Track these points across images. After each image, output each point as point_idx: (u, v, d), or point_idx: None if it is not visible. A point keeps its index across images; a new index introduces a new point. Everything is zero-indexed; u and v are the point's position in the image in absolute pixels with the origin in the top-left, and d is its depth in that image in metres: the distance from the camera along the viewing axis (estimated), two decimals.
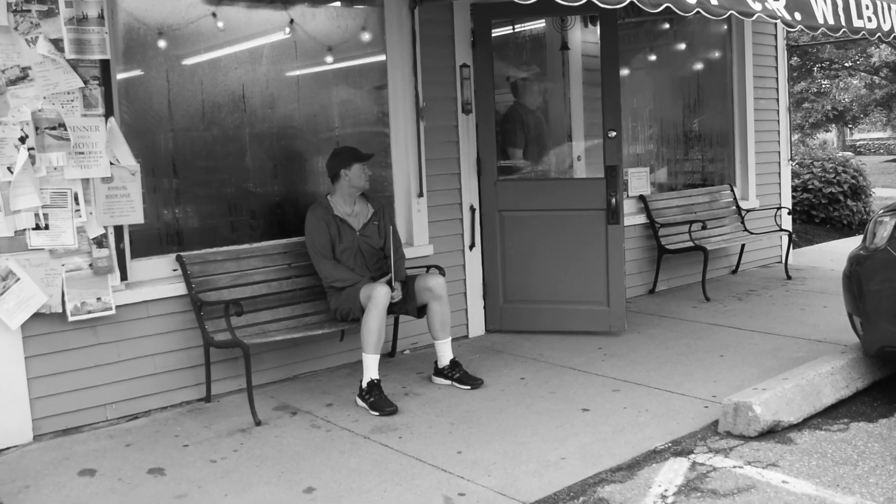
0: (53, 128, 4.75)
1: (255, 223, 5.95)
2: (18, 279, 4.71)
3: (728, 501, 3.75)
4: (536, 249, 6.89)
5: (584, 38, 7.64)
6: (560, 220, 6.83)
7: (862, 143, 49.97)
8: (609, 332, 6.79)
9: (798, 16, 5.57)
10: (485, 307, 6.98)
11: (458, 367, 5.58)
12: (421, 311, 5.60)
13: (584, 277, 6.84)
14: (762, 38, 9.33)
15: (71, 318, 4.87)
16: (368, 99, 6.50)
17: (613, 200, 6.69)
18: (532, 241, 6.89)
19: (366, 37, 6.39)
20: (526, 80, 7.47)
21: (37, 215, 4.77)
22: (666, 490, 3.90)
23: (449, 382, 5.56)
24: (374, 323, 5.13)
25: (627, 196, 8.13)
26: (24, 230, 4.74)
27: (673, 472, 4.09)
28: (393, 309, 5.41)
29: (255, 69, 5.87)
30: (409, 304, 5.56)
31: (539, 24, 7.75)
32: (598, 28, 6.92)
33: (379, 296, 5.15)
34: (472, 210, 6.82)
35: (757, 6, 5.20)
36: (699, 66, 9.26)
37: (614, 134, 6.69)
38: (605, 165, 6.73)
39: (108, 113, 4.98)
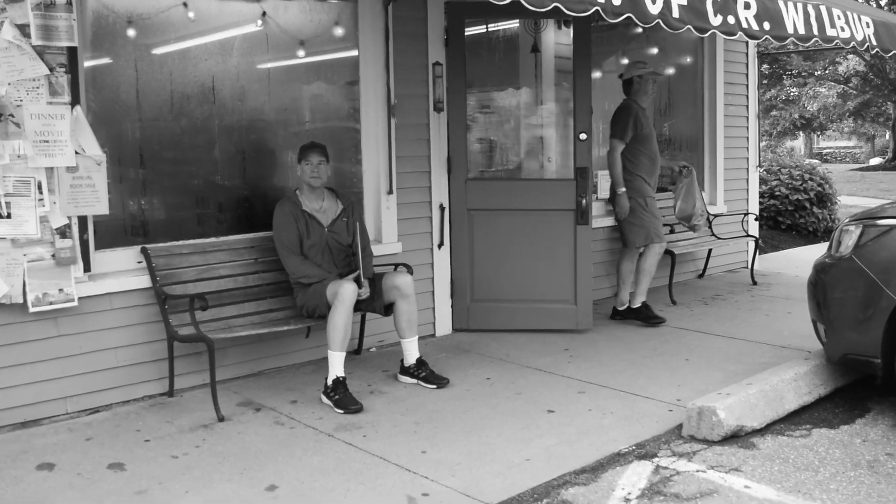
0: (10, 115, 4.67)
1: (222, 216, 5.89)
2: None
3: None
4: (506, 249, 6.93)
5: (556, 39, 7.65)
6: (530, 219, 6.90)
7: (828, 150, 50.63)
8: (576, 330, 6.90)
9: (767, 25, 5.60)
10: (452, 306, 6.97)
11: (424, 365, 5.57)
12: (388, 309, 5.58)
13: (553, 276, 6.94)
14: (734, 44, 9.40)
15: (32, 309, 4.80)
16: (340, 94, 6.46)
17: (583, 201, 6.82)
18: (501, 241, 6.93)
19: (339, 32, 6.35)
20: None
21: None
22: (629, 493, 3.91)
23: (415, 381, 5.55)
24: (341, 320, 5.11)
25: (597, 198, 8.15)
26: None
27: (636, 476, 4.11)
28: (360, 306, 5.39)
29: (226, 61, 5.82)
30: (376, 302, 5.54)
31: (513, 24, 7.75)
32: (571, 31, 7.00)
33: (346, 293, 5.12)
34: (442, 208, 6.81)
35: (716, 20, 5.24)
36: (670, 70, 9.31)
37: (585, 136, 6.81)
38: (574, 167, 6.86)
39: (75, 101, 4.91)
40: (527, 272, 6.92)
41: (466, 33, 6.87)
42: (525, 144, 8.08)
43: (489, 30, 7.55)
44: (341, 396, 5.08)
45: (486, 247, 6.95)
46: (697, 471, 4.16)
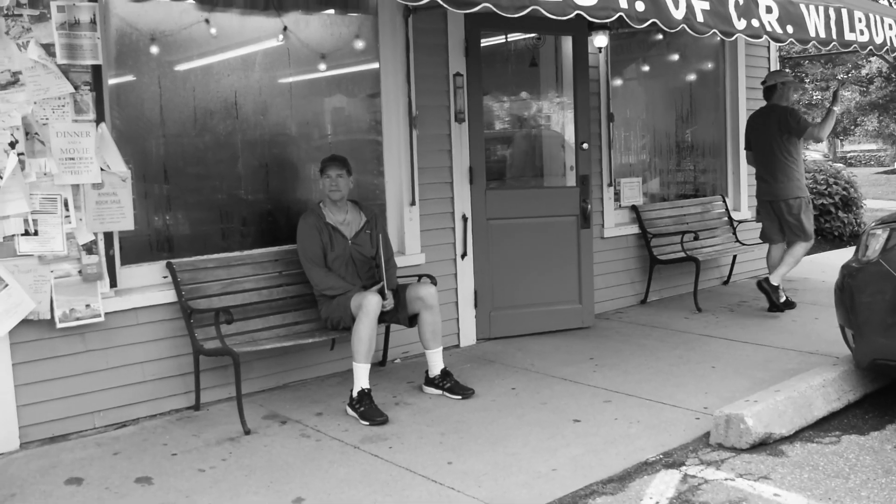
0: (35, 133, 4.72)
1: (246, 230, 5.91)
2: (6, 285, 4.67)
3: None
4: (520, 255, 7.10)
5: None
6: (541, 226, 7.18)
7: (853, 154, 50.18)
8: (582, 328, 7.29)
9: (790, 29, 5.58)
10: (476, 316, 6.96)
11: (448, 376, 5.56)
12: (412, 320, 5.58)
13: (561, 279, 7.27)
14: (755, 49, 9.35)
15: (59, 325, 4.84)
16: (361, 107, 6.48)
17: (587, 207, 7.23)
18: (516, 248, 7.08)
19: (359, 45, 6.38)
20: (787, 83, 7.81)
21: (26, 221, 4.73)
22: (657, 502, 3.88)
23: (440, 392, 5.53)
24: (365, 332, 5.11)
25: (620, 206, 8.13)
26: (13, 236, 4.71)
27: (664, 485, 4.07)
28: (384, 318, 5.39)
29: (248, 76, 5.85)
30: (400, 313, 5.53)
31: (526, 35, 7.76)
32: (571, 45, 7.32)
33: (370, 304, 5.12)
34: (465, 219, 6.81)
35: (741, 24, 5.23)
36: (692, 76, 9.26)
37: (586, 146, 7.27)
38: (577, 175, 7.30)
39: (100, 118, 4.95)
40: (540, 277, 7.19)
41: (485, 44, 6.90)
42: (539, 153, 8.07)
43: (507, 40, 7.55)
44: (367, 408, 5.07)
45: (504, 255, 7.05)
46: (726, 479, 4.11)
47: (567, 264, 7.28)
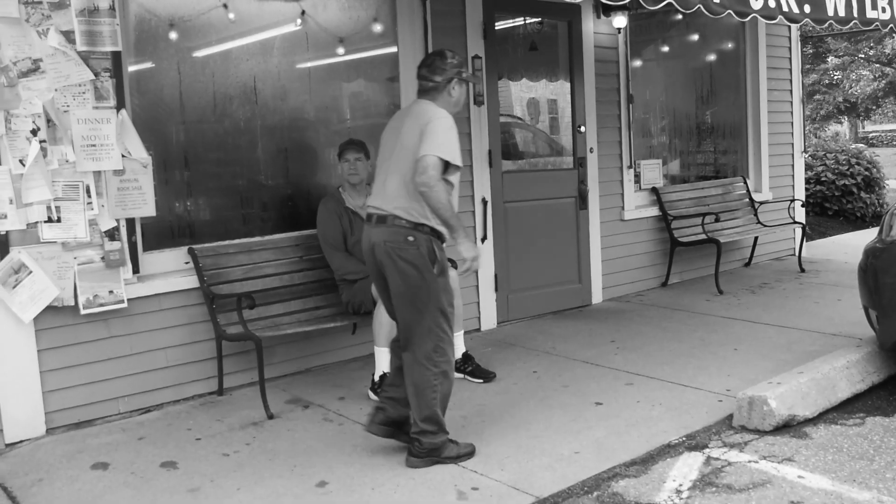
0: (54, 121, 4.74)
1: (266, 216, 5.93)
2: (31, 272, 4.70)
3: (744, 496, 3.72)
4: (532, 237, 7.24)
5: (596, 29, 7.59)
6: (548, 208, 7.38)
7: (875, 134, 49.69)
8: (584, 306, 7.55)
9: (807, 8, 5.52)
10: (496, 299, 6.96)
11: (470, 360, 5.56)
12: None
13: (564, 260, 7.50)
14: (776, 28, 9.26)
15: (83, 311, 4.86)
16: (380, 91, 6.47)
17: (584, 189, 7.49)
18: (529, 230, 7.21)
19: (377, 28, 6.35)
20: None
21: (49, 208, 4.76)
22: (681, 485, 3.87)
23: (461, 376, 5.51)
24: (386, 316, 5.06)
25: (640, 188, 8.09)
26: (37, 223, 4.74)
27: (687, 467, 4.06)
28: None
29: (267, 61, 5.84)
30: None
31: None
32: (568, 30, 7.43)
33: None
34: (485, 203, 6.80)
35: (757, 4, 5.20)
36: (712, 57, 9.19)
37: (583, 129, 7.49)
38: (574, 157, 7.50)
39: (120, 105, 4.96)
40: (546, 258, 7.36)
41: (500, 26, 6.91)
42: (552, 135, 8.03)
43: (514, 24, 7.49)
44: None
45: (518, 238, 7.14)
46: (749, 461, 4.10)
47: (568, 245, 7.49)
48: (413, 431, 4.18)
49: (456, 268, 5.58)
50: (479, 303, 6.83)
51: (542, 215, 7.29)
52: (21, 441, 4.70)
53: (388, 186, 4.23)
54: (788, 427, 4.49)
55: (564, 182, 7.44)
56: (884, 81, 29.67)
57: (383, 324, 5.10)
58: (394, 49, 6.41)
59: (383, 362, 5.13)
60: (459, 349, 5.53)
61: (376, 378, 5.15)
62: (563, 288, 7.46)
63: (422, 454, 4.15)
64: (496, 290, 6.95)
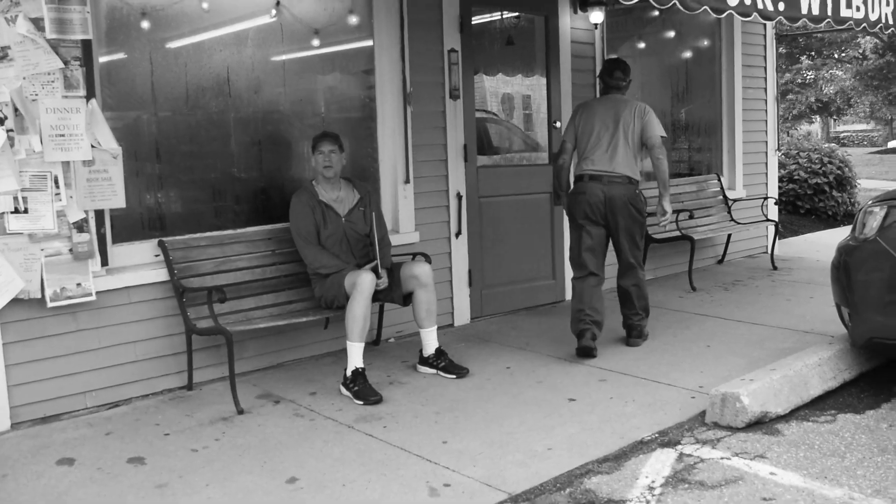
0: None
1: (239, 209, 5.86)
2: None
3: (716, 493, 3.71)
4: (506, 233, 7.22)
5: (573, 24, 7.56)
6: (523, 204, 7.39)
7: (846, 134, 50.22)
8: (557, 301, 7.55)
9: (781, 6, 5.52)
10: (470, 295, 6.93)
11: (443, 355, 5.53)
12: (406, 298, 5.54)
13: (539, 256, 7.49)
14: (751, 26, 9.29)
15: (50, 304, 4.78)
16: (355, 84, 6.41)
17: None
18: (503, 226, 7.21)
19: (353, 20, 6.29)
20: None
21: (15, 198, 4.67)
22: (653, 481, 3.85)
23: (434, 371, 5.50)
24: (359, 310, 5.06)
25: None
26: (2, 214, 4.65)
27: (660, 464, 4.05)
28: (378, 296, 5.35)
29: (241, 52, 5.77)
30: (394, 292, 5.49)
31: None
32: (545, 25, 7.45)
33: (364, 283, 5.08)
34: (459, 197, 6.77)
35: (733, 1, 5.17)
36: (688, 54, 9.20)
37: (559, 125, 7.40)
38: (549, 153, 7.48)
39: (90, 95, 4.88)
40: (522, 254, 7.36)
41: (477, 21, 6.90)
42: (527, 130, 8.02)
43: (492, 18, 7.46)
44: (361, 387, 5.04)
45: (493, 233, 7.13)
46: (722, 458, 4.09)
47: (543, 241, 7.49)
48: (638, 322, 6.05)
49: (430, 262, 5.58)
50: (452, 298, 6.80)
51: (517, 211, 7.27)
52: None
53: (616, 156, 5.86)
54: (761, 424, 4.49)
55: (539, 178, 7.43)
56: (874, 63, 29.80)
57: (357, 318, 5.06)
58: (369, 42, 6.35)
59: (356, 357, 5.09)
60: (432, 345, 5.52)
61: (349, 373, 5.10)
62: (536, 284, 7.45)
63: (643, 335, 6.07)
64: (470, 285, 6.92)
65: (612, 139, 5.88)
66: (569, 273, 7.54)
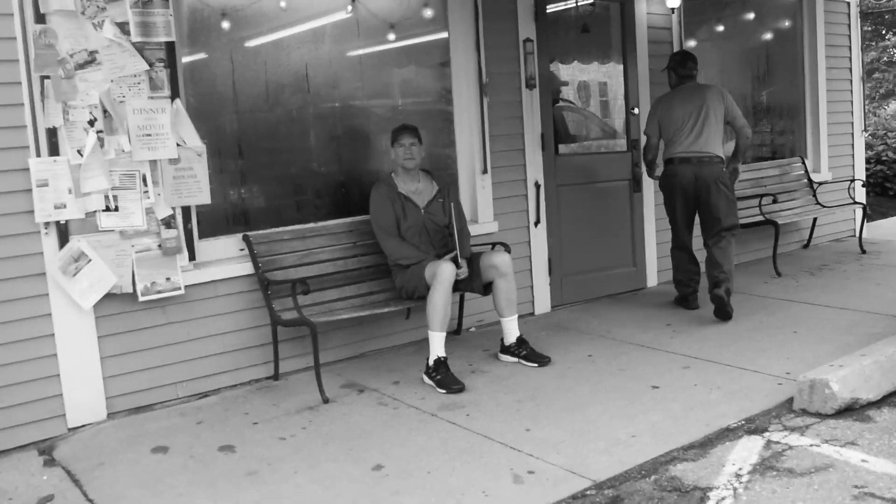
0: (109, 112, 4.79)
1: (319, 202, 5.93)
2: (90, 260, 4.74)
3: (805, 481, 3.63)
4: (585, 221, 7.19)
5: (649, 9, 7.47)
6: (602, 191, 7.34)
7: None
8: (637, 289, 7.51)
9: None
10: (550, 283, 6.91)
11: (524, 344, 5.52)
12: (487, 288, 5.54)
13: (619, 243, 7.47)
14: (834, 4, 9.05)
15: (141, 298, 4.91)
16: (431, 76, 6.43)
17: (638, 171, 7.42)
18: (582, 214, 7.16)
19: (428, 13, 6.32)
20: None
21: (106, 197, 4.80)
22: (740, 469, 3.79)
23: (515, 360, 5.51)
24: (440, 300, 5.09)
25: None
26: (95, 212, 4.78)
27: (747, 451, 3.98)
28: (458, 286, 5.36)
29: (318, 49, 5.84)
30: (474, 282, 5.50)
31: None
32: (621, 11, 7.39)
33: (444, 273, 5.11)
34: (537, 186, 6.75)
35: None
36: (768, 35, 9.00)
37: (637, 111, 7.40)
38: (628, 139, 7.46)
39: (174, 95, 4.99)
40: (600, 242, 7.32)
41: (552, 9, 6.84)
42: (604, 118, 7.95)
43: (574, 5, 7.40)
44: (443, 376, 5.07)
45: (572, 221, 7.08)
46: (811, 445, 4.00)
47: (623, 228, 7.46)
48: (724, 277, 6.30)
49: (509, 251, 5.57)
50: (532, 287, 6.78)
51: (595, 198, 7.23)
52: (83, 426, 4.77)
53: (703, 137, 6.39)
54: (851, 410, 4.38)
55: (618, 165, 7.37)
56: None
57: (437, 308, 5.09)
58: (444, 34, 6.37)
59: (437, 346, 5.13)
60: (513, 333, 5.52)
61: (430, 362, 5.14)
62: (617, 271, 7.40)
63: (730, 290, 6.32)
64: (550, 273, 6.89)
65: (698, 122, 6.39)
66: (650, 260, 7.54)
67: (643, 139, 7.25)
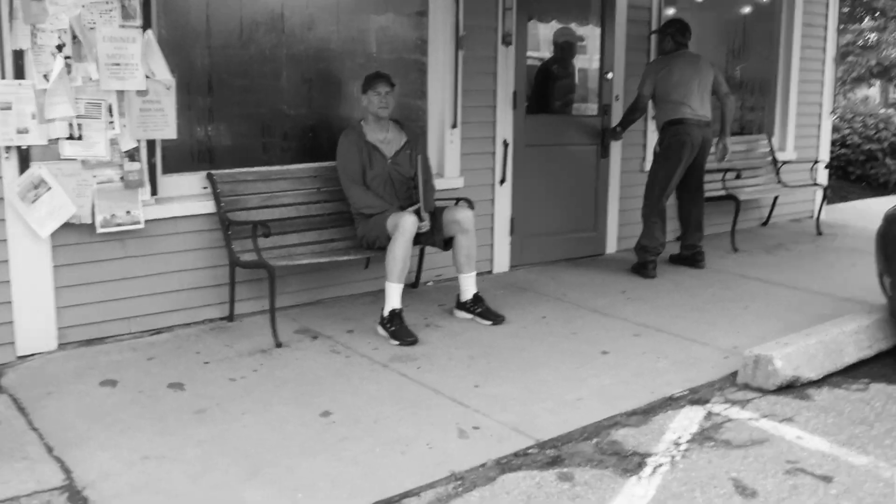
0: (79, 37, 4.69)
1: (286, 145, 5.90)
2: (50, 188, 4.69)
3: (741, 453, 3.73)
4: (551, 183, 7.18)
5: None
6: (569, 154, 7.34)
7: None
8: (596, 255, 7.57)
9: None
10: (511, 243, 6.95)
11: (480, 301, 5.56)
12: (447, 243, 5.56)
13: (582, 207, 7.48)
14: None
15: (100, 230, 4.88)
16: (408, 25, 6.37)
17: (604, 137, 7.43)
18: (548, 175, 7.16)
19: None
20: None
21: (70, 125, 4.73)
22: (679, 437, 3.88)
23: (471, 317, 5.55)
24: (400, 252, 5.10)
25: None
26: (58, 139, 4.71)
27: (688, 420, 4.07)
28: (419, 239, 5.38)
29: None
30: (435, 236, 5.51)
31: None
32: None
33: (406, 225, 5.11)
34: (506, 144, 6.74)
35: None
36: (746, 9, 9.00)
37: (611, 76, 7.43)
38: (599, 104, 7.46)
39: (146, 25, 4.91)
40: (564, 204, 7.33)
41: None
42: (579, 80, 7.92)
43: None
44: (397, 328, 5.10)
45: (537, 182, 7.08)
46: (750, 419, 4.10)
47: (587, 193, 7.48)
48: (702, 248, 7.17)
49: (473, 208, 5.58)
50: (492, 245, 6.82)
51: (562, 161, 7.23)
52: (32, 354, 4.75)
53: (705, 103, 6.89)
54: (792, 388, 4.48)
55: (587, 128, 7.38)
56: None
57: (397, 259, 5.10)
58: None
59: (394, 298, 5.15)
60: (470, 290, 5.55)
61: (385, 314, 5.17)
62: (578, 235, 7.45)
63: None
64: (511, 233, 6.92)
65: (699, 87, 6.86)
66: (611, 227, 7.60)
67: (616, 102, 7.30)
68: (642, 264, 6.87)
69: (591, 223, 7.54)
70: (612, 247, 7.67)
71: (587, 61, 7.69)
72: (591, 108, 7.57)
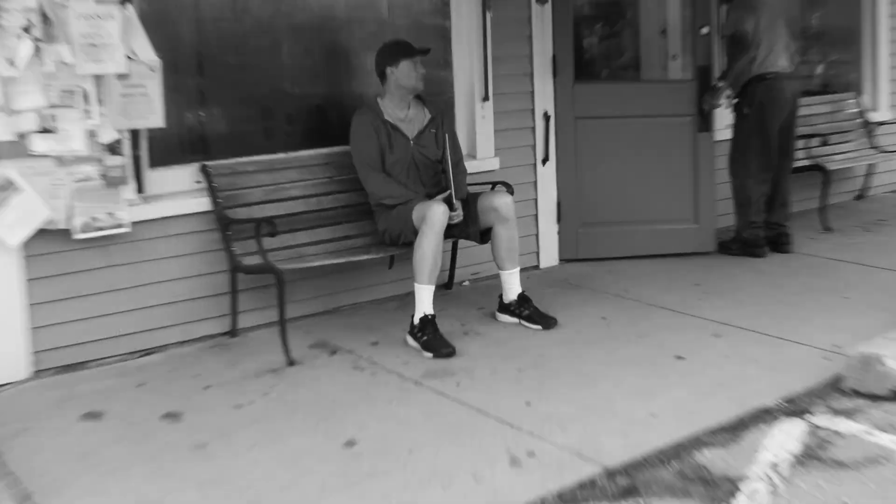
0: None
1: (291, 129, 5.91)
2: (19, 190, 4.67)
3: (856, 475, 3.55)
4: (617, 163, 6.87)
5: None
6: (644, 128, 6.91)
7: None
8: (699, 253, 6.95)
9: None
10: (559, 232, 6.83)
11: (527, 302, 5.45)
12: (484, 235, 5.46)
13: (670, 193, 6.97)
14: None
15: (79, 236, 4.85)
16: None
17: (703, 103, 6.90)
18: (613, 154, 6.86)
19: None
20: None
21: (42, 116, 4.71)
22: (778, 457, 3.72)
23: (516, 321, 5.44)
24: (429, 248, 5.00)
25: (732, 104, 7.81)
26: (27, 133, 4.70)
27: (786, 436, 3.91)
28: (452, 232, 5.29)
29: None
30: (470, 227, 5.42)
31: None
32: None
33: (435, 216, 5.00)
34: (546, 117, 6.65)
35: None
36: None
37: (706, 30, 6.87)
38: (694, 66, 6.95)
39: None
40: (641, 189, 6.94)
41: None
42: (642, 41, 7.76)
43: None
44: (430, 338, 5.00)
45: (597, 161, 6.84)
46: (863, 432, 3.94)
47: (678, 175, 6.96)
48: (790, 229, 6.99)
49: (512, 192, 5.42)
50: (537, 235, 6.74)
51: (638, 137, 6.84)
52: (3, 385, 4.71)
53: (792, 51, 6.84)
54: None
55: (673, 96, 6.94)
56: None
57: (426, 257, 5.02)
58: None
59: (425, 302, 5.07)
60: (514, 289, 5.46)
61: (416, 321, 5.08)
62: (669, 227, 6.95)
63: None
64: (559, 220, 6.79)
65: (785, 35, 6.80)
66: (723, 216, 7.25)
67: (672, 62, 7.03)
68: (752, 242, 6.82)
69: (690, 213, 6.99)
70: (711, 243, 7.15)
71: (664, 17, 7.46)
72: (663, 71, 7.34)
